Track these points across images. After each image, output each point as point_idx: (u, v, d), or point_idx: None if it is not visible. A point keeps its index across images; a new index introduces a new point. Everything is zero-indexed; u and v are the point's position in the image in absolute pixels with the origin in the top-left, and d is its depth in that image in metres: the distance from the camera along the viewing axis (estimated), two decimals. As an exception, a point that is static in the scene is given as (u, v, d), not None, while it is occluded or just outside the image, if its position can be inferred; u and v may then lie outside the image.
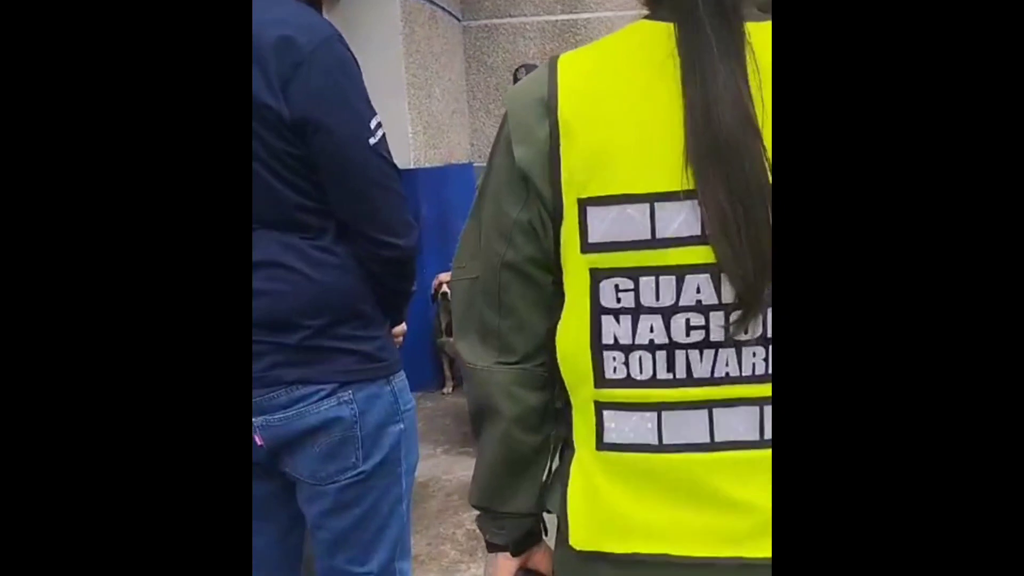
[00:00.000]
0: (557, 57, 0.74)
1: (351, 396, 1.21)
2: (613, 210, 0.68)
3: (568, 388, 0.75)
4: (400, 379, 1.27)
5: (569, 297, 0.73)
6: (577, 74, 0.71)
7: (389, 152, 1.19)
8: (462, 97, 4.81)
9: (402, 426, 1.27)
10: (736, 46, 0.65)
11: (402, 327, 1.39)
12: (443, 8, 4.37)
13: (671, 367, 0.69)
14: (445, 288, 3.76)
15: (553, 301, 0.75)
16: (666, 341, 0.69)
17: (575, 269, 0.71)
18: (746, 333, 0.66)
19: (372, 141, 1.15)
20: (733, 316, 0.66)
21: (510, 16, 4.85)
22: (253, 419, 1.19)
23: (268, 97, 1.09)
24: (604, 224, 0.68)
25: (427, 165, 3.97)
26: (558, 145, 0.70)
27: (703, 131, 0.64)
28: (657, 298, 0.68)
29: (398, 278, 1.25)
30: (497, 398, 0.78)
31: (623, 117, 0.68)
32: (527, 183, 0.72)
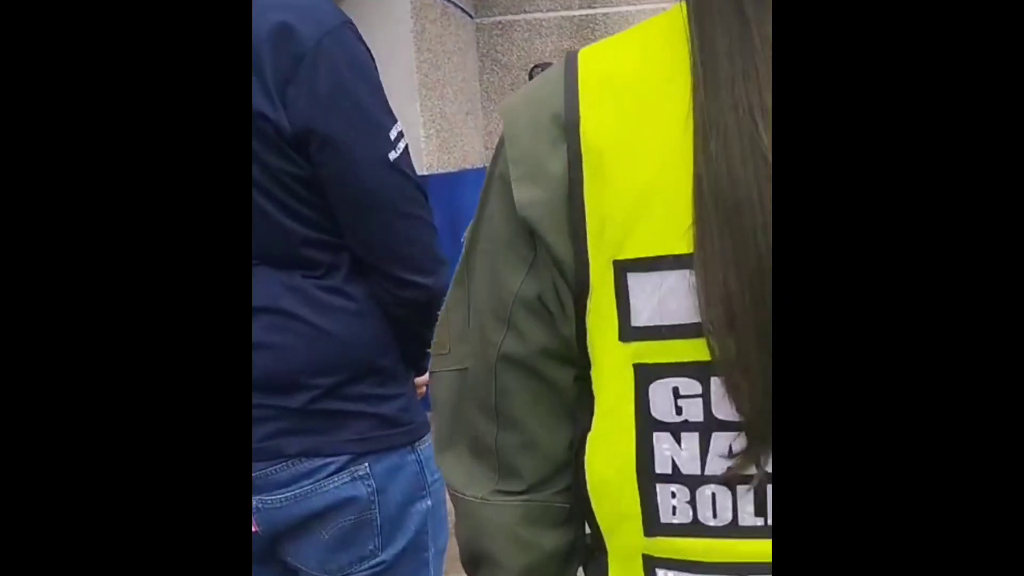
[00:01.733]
0: (575, 53, 0.53)
1: (368, 470, 0.99)
2: (668, 277, 0.47)
3: (603, 532, 0.53)
4: (427, 445, 1.04)
5: (603, 402, 0.51)
6: (607, 79, 0.50)
7: (412, 169, 0.96)
8: (476, 98, 4.59)
9: (429, 502, 1.04)
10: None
11: (426, 376, 1.16)
12: (455, 4, 4.15)
13: (762, 509, 0.48)
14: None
15: (576, 404, 0.54)
16: (753, 471, 0.47)
17: (612, 364, 0.50)
18: None
19: (392, 156, 0.92)
20: None
21: (525, 12, 4.63)
22: (247, 501, 0.96)
23: (263, 103, 0.87)
24: (654, 298, 0.47)
25: (439, 170, 3.75)
26: (581, 183, 0.49)
27: (707, 177, 0.46)
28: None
29: (425, 324, 1.02)
30: (497, 543, 0.56)
31: (676, 142, 0.47)
32: (535, 240, 0.51)
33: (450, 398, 0.58)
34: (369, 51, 0.94)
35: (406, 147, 0.95)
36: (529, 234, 0.51)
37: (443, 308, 0.59)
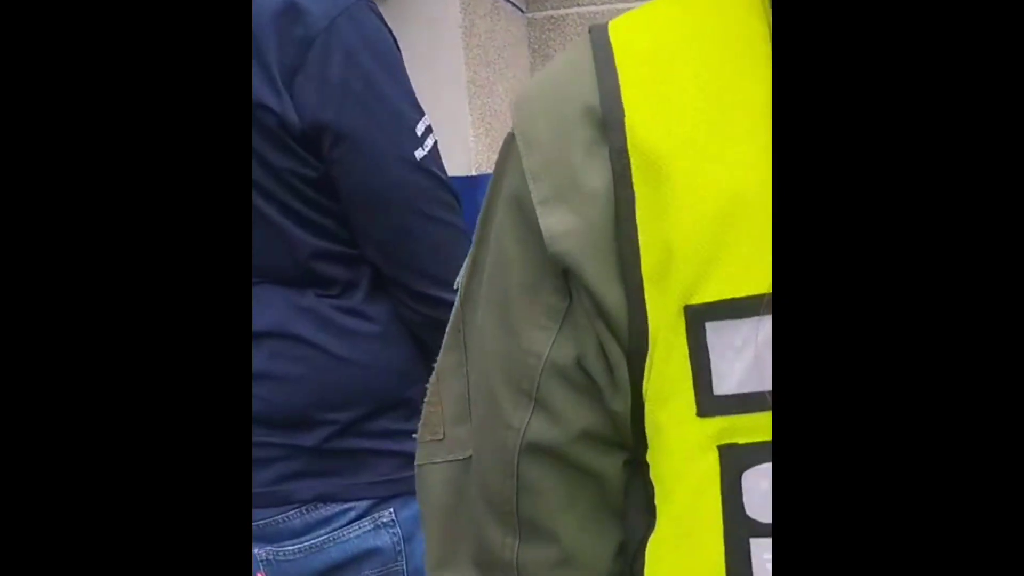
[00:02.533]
0: (602, 25, 0.43)
1: (393, 516, 0.86)
2: (765, 325, 0.35)
3: None
4: None
5: (671, 498, 0.38)
6: (653, 56, 0.40)
7: (442, 168, 0.83)
8: (526, 95, 4.45)
9: (465, 552, 0.91)
10: None
11: None
12: (506, -2, 4.02)
13: None
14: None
15: (626, 498, 0.42)
16: None
17: (685, 447, 0.37)
18: None
19: (419, 154, 0.79)
20: None
21: (578, 5, 4.46)
22: (255, 551, 0.84)
23: (266, 94, 0.75)
24: (745, 355, 0.35)
25: (489, 171, 3.62)
26: (633, 201, 0.37)
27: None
28: None
29: None
30: None
31: (764, 137, 0.35)
32: (568, 284, 0.40)
33: (447, 499, 0.45)
34: (391, 32, 0.81)
35: (435, 144, 0.81)
36: (560, 276, 0.39)
37: (432, 378, 0.48)
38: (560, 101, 0.41)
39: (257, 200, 0.78)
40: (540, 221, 0.39)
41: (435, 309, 0.83)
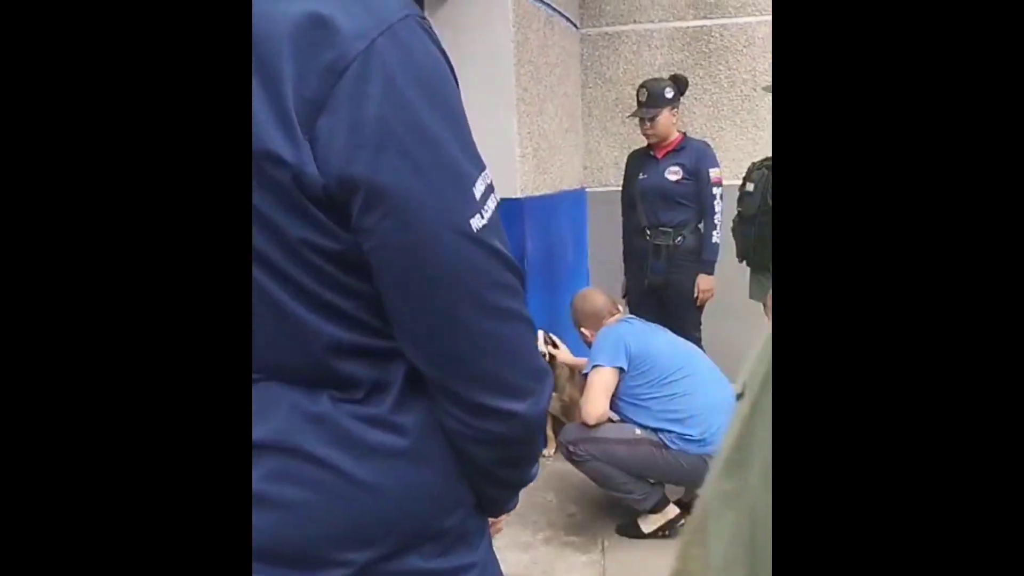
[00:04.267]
0: None
1: None
2: None
3: None
4: None
5: None
6: None
7: (504, 239, 0.63)
8: (576, 113, 4.26)
9: None
10: None
11: (503, 517, 0.82)
12: (560, 13, 3.83)
13: None
14: (543, 348, 3.19)
15: None
16: None
17: None
18: None
19: (477, 224, 0.60)
20: None
21: (635, 22, 4.26)
22: None
23: (279, 139, 0.56)
24: None
25: (535, 193, 3.43)
26: None
27: None
28: None
29: (512, 464, 0.69)
30: None
31: None
32: None
33: None
34: (448, 60, 0.61)
35: (496, 208, 0.62)
36: None
37: (698, 511, 0.41)
38: None
39: (260, 277, 0.60)
40: None
41: (488, 420, 0.64)
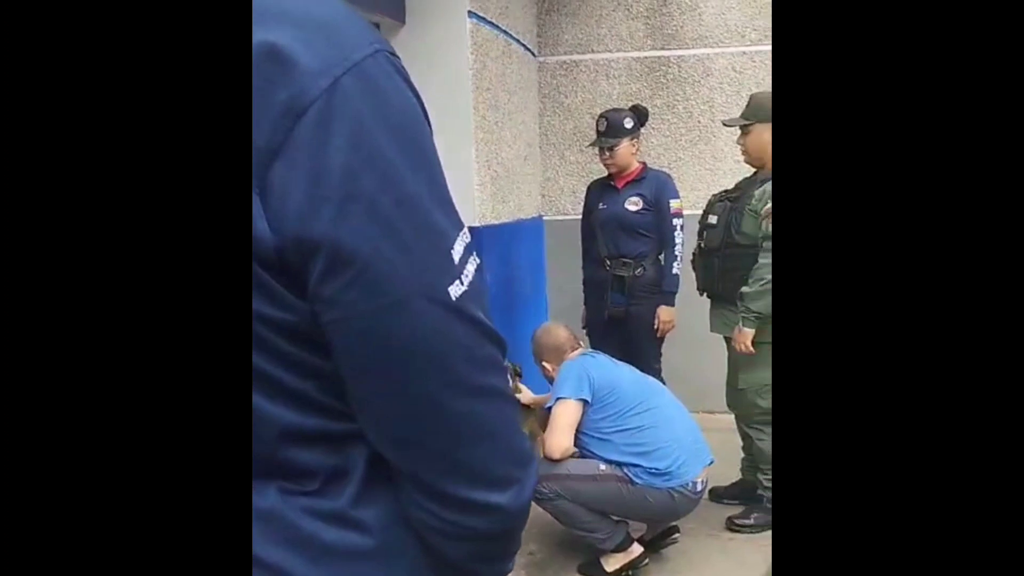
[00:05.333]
0: None
1: None
2: None
3: None
4: None
5: None
6: None
7: (484, 307, 0.55)
8: (534, 142, 4.22)
9: None
10: None
11: None
12: (518, 41, 3.80)
13: None
14: (513, 382, 3.12)
15: None
16: None
17: None
18: None
19: (456, 291, 0.52)
20: None
21: (592, 51, 4.26)
22: None
23: None
24: None
25: (493, 222, 3.37)
26: None
27: None
28: None
29: (491, 560, 0.60)
30: None
31: None
32: None
33: None
34: (421, 102, 0.54)
35: (477, 271, 0.54)
36: None
37: None
38: None
39: None
40: None
41: (468, 515, 0.56)
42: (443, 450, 0.53)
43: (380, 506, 0.56)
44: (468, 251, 0.54)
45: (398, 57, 0.53)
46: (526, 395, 3.09)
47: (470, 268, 0.53)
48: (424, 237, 0.51)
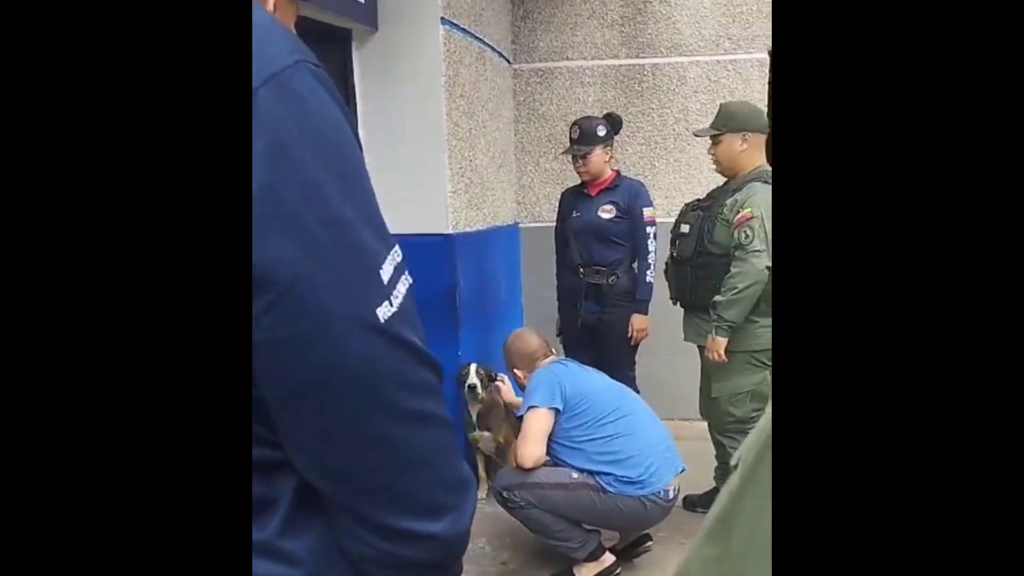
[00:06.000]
0: None
1: None
2: None
3: None
4: None
5: None
6: None
7: (418, 327, 0.53)
8: (509, 149, 4.21)
9: None
10: None
11: None
12: (493, 48, 3.79)
13: None
14: (474, 379, 3.12)
15: None
16: None
17: None
18: None
19: (385, 312, 0.50)
20: None
21: (567, 59, 4.27)
22: None
23: None
24: None
25: (467, 229, 3.35)
26: None
27: None
28: None
29: None
30: None
31: None
32: None
33: None
34: (346, 111, 0.52)
35: (408, 291, 0.52)
36: None
37: (680, 571, 0.46)
38: None
39: None
40: None
41: (402, 545, 0.54)
42: (375, 480, 0.52)
43: (309, 536, 0.54)
44: (399, 270, 0.52)
45: (322, 67, 0.51)
46: (507, 392, 3.08)
47: (401, 288, 0.52)
48: (349, 256, 0.49)
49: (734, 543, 0.41)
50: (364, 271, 0.50)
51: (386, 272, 0.51)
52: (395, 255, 0.52)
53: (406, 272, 0.53)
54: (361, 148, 0.52)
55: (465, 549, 0.58)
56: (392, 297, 0.50)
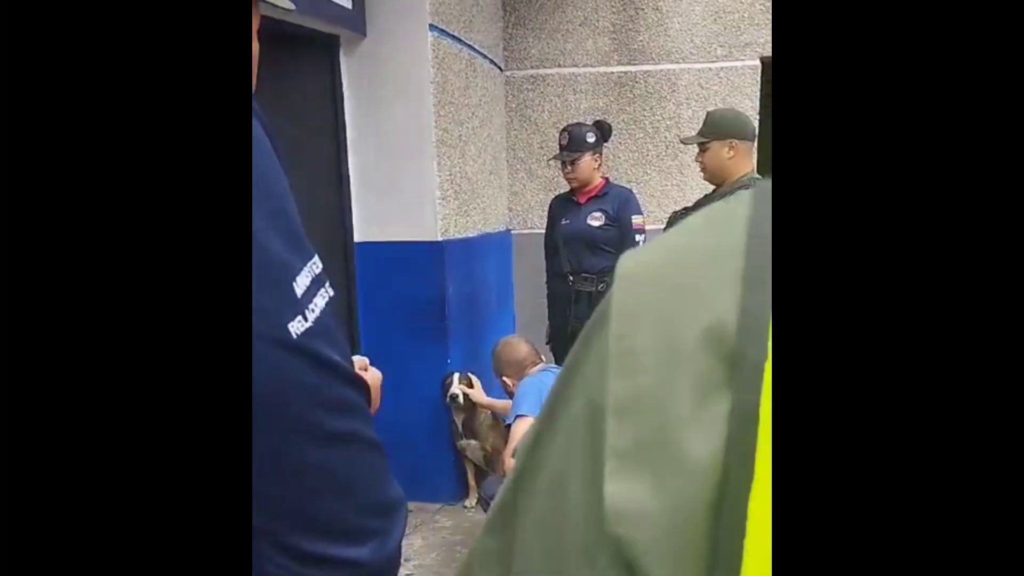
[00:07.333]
0: (743, 188, 0.19)
1: None
2: None
3: None
4: None
5: None
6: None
7: (338, 341, 0.52)
8: (501, 156, 4.21)
9: None
10: None
11: None
12: (483, 55, 3.79)
13: None
14: (456, 390, 3.12)
15: None
16: None
17: None
18: None
19: (298, 327, 0.49)
20: None
21: (559, 66, 4.26)
22: None
23: None
24: None
25: (456, 236, 3.34)
26: (748, 485, 0.30)
27: None
28: None
29: None
30: None
31: None
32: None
33: None
34: (265, 124, 0.51)
35: (327, 305, 0.51)
36: (621, 560, 0.32)
37: (463, 563, 0.42)
38: (679, 312, 0.32)
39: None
40: (606, 484, 0.32)
41: (325, 571, 0.51)
42: (293, 504, 0.50)
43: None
44: (317, 283, 0.50)
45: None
46: (478, 393, 3.08)
47: (319, 302, 0.50)
48: (259, 270, 0.48)
49: (516, 535, 0.40)
50: (271, 284, 0.48)
51: (300, 285, 0.49)
52: (313, 267, 0.50)
53: (326, 284, 0.51)
54: (280, 158, 0.51)
55: (395, 573, 0.57)
56: (307, 311, 0.49)
